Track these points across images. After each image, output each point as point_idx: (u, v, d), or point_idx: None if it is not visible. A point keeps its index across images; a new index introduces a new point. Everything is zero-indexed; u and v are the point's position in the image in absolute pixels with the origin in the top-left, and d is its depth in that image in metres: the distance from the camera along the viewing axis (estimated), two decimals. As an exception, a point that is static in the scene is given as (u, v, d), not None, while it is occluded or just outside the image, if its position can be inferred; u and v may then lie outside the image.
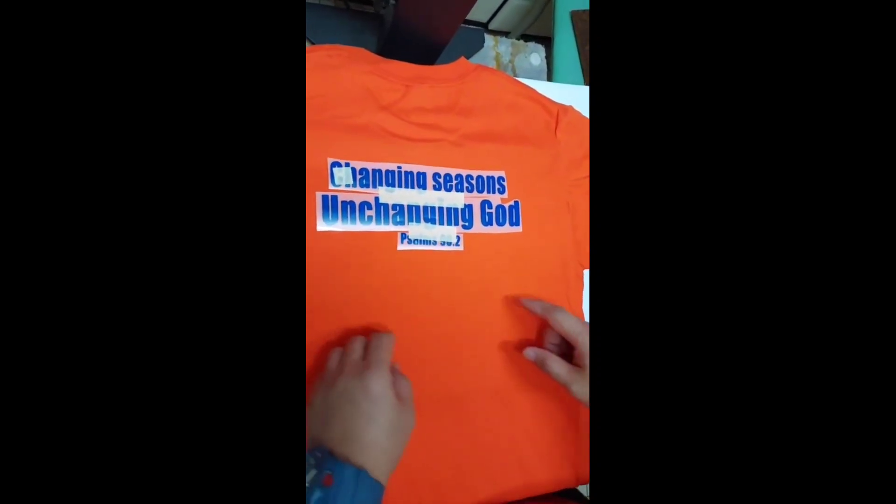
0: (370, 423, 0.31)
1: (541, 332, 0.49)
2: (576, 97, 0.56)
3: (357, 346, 0.37)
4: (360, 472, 0.28)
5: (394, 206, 0.46)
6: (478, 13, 1.10)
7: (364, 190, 0.46)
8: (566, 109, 0.55)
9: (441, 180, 0.48)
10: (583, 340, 0.41)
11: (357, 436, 0.30)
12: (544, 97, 0.55)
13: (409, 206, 0.47)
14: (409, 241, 0.46)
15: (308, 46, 0.50)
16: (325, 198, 0.44)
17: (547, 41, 0.88)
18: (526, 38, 0.82)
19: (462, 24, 0.63)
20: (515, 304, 0.48)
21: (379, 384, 0.32)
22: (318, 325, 0.42)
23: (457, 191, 0.49)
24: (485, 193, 0.49)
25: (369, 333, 0.40)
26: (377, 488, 0.29)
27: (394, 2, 0.48)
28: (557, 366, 0.42)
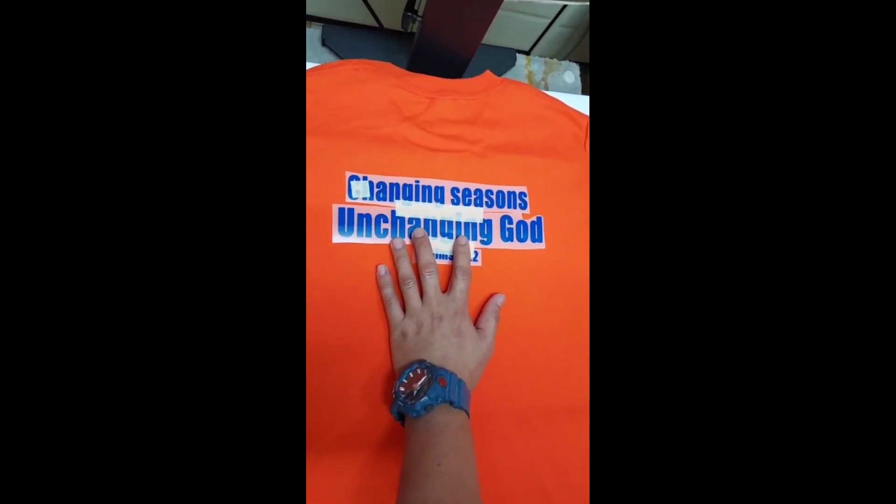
0: (462, 351, 0.41)
1: (567, 354, 0.46)
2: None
3: (430, 288, 0.43)
4: (461, 380, 0.39)
5: (410, 220, 0.45)
6: (520, 42, 1.10)
7: (381, 203, 0.45)
8: (596, 123, 0.53)
9: (460, 195, 0.47)
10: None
11: (453, 358, 0.40)
12: (573, 109, 0.53)
13: (427, 220, 0.46)
14: (426, 256, 0.45)
15: (336, 61, 0.51)
16: (341, 210, 0.44)
17: (586, 66, 0.87)
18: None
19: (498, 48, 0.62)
20: (536, 320, 0.46)
21: (466, 324, 0.42)
22: (334, 335, 0.42)
23: (476, 205, 0.47)
24: (505, 209, 0.48)
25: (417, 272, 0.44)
26: (468, 394, 0.39)
27: (420, 18, 0.48)
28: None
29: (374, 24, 0.80)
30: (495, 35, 0.63)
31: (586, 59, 0.93)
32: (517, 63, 0.61)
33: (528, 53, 1.12)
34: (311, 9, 0.81)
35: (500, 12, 0.45)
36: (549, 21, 0.91)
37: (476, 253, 0.46)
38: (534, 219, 0.48)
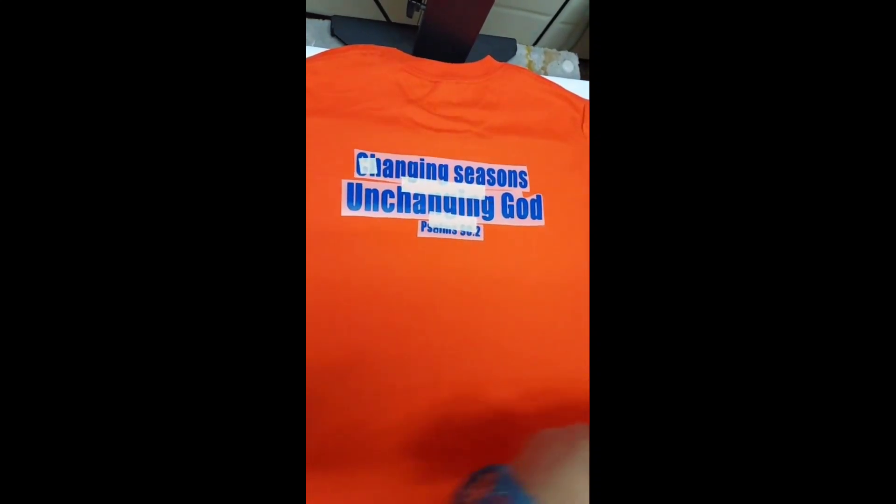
0: (563, 478, 0.26)
1: (566, 326, 0.47)
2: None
3: None
4: None
5: (415, 196, 0.47)
6: (522, 38, 1.12)
7: (387, 179, 0.47)
8: (594, 106, 0.55)
9: (462, 173, 0.49)
10: None
11: (551, 483, 0.26)
12: (571, 94, 0.55)
13: (431, 196, 0.48)
14: (430, 230, 0.47)
15: (344, 46, 0.53)
16: (349, 185, 0.46)
17: (586, 62, 0.89)
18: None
19: (500, 38, 0.65)
20: (536, 293, 0.47)
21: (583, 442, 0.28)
22: (340, 306, 0.43)
23: (478, 183, 0.49)
24: (506, 187, 0.50)
25: None
26: None
27: (424, 6, 0.51)
28: None
29: (382, 19, 0.83)
30: (497, 31, 0.65)
31: (586, 55, 0.96)
32: (518, 53, 0.63)
33: (529, 50, 1.14)
34: (320, 6, 0.84)
35: (502, 9, 0.47)
36: (550, 18, 0.94)
37: (478, 228, 0.48)
38: (533, 197, 0.50)
